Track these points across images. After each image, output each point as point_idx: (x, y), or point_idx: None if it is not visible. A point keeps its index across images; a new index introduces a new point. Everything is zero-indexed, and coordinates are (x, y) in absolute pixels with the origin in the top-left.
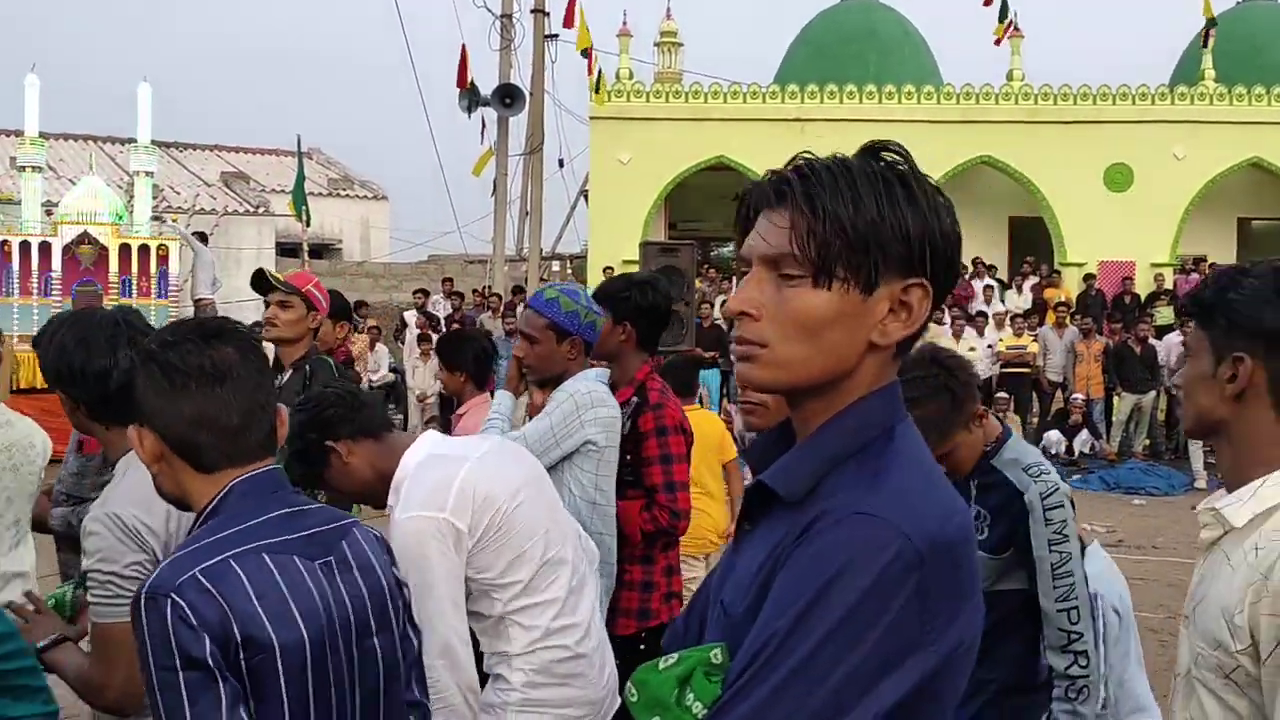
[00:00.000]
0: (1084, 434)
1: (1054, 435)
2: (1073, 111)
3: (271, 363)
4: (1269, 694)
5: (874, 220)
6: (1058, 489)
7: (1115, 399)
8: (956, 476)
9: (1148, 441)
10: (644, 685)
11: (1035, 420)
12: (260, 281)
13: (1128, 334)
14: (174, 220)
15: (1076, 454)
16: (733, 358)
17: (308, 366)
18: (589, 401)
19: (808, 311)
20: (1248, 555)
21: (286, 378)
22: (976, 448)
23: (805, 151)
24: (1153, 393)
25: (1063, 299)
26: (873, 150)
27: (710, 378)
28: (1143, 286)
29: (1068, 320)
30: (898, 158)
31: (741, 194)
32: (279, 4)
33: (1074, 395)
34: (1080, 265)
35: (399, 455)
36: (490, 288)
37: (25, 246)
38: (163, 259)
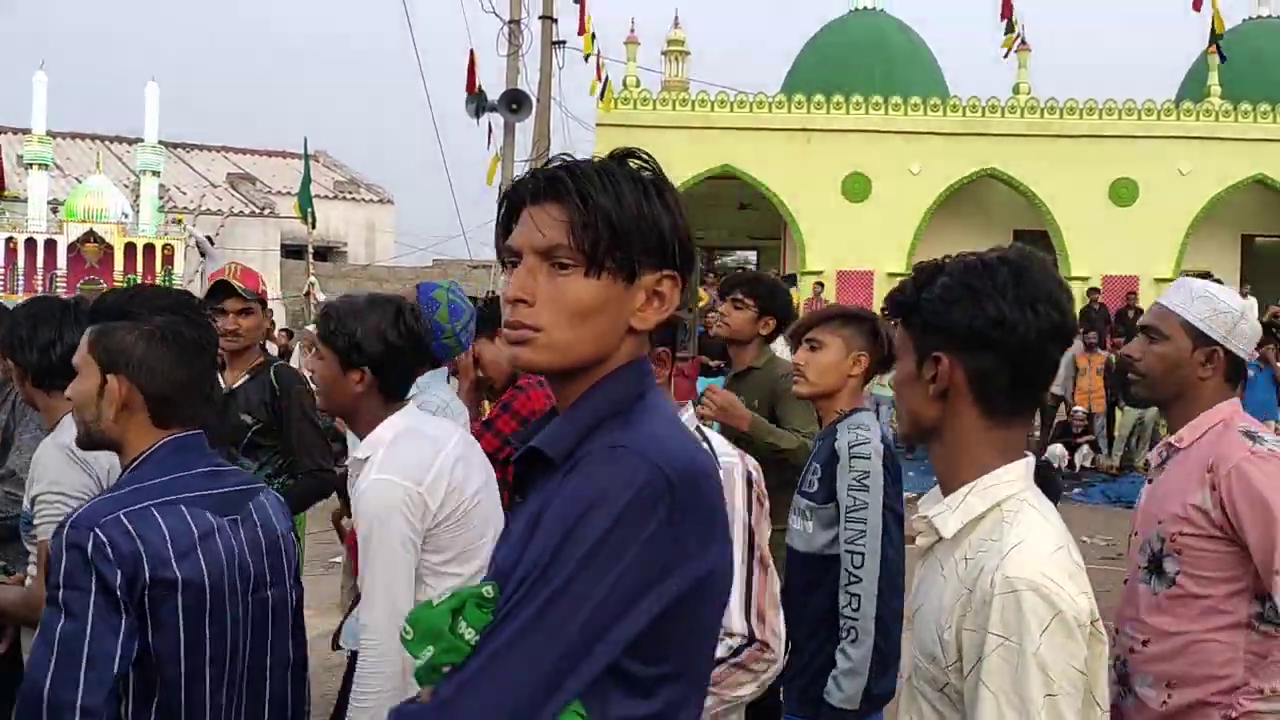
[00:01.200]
0: (1085, 448)
1: (1057, 449)
2: (1078, 126)
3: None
4: (969, 709)
5: (635, 216)
6: (866, 442)
7: (1117, 413)
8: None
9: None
10: (418, 621)
11: (1037, 434)
12: (218, 292)
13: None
14: (180, 220)
15: (1078, 467)
16: (504, 342)
17: (273, 374)
18: None
19: (580, 299)
20: (957, 566)
21: (242, 383)
22: (838, 404)
23: (564, 154)
24: (1155, 408)
25: None
26: (622, 156)
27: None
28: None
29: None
30: (644, 163)
31: (508, 189)
32: (287, 7)
33: (1076, 409)
34: (1084, 279)
35: (387, 413)
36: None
37: (31, 244)
38: (168, 258)
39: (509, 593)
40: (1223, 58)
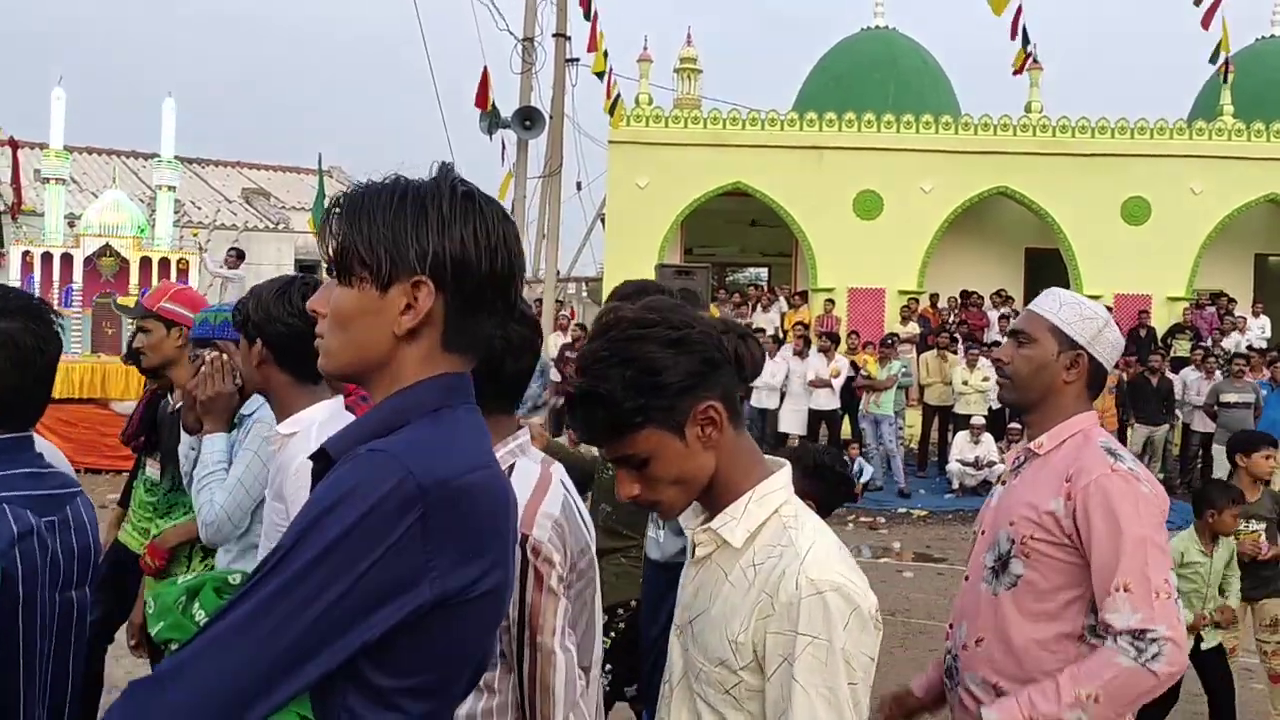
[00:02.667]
0: None
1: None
2: (1091, 144)
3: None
4: (771, 709)
5: (383, 228)
6: None
7: (1129, 431)
8: None
9: (1162, 475)
10: (159, 596)
11: None
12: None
13: (1143, 367)
14: (192, 234)
15: None
16: None
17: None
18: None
19: (339, 307)
20: (747, 572)
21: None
22: None
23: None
24: (1166, 426)
25: None
26: (442, 171)
27: None
28: (1159, 320)
29: None
30: (456, 178)
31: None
32: (303, 25)
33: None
34: (1096, 298)
35: (306, 395)
36: None
37: (47, 258)
38: (183, 272)
39: (248, 581)
40: (1226, 75)
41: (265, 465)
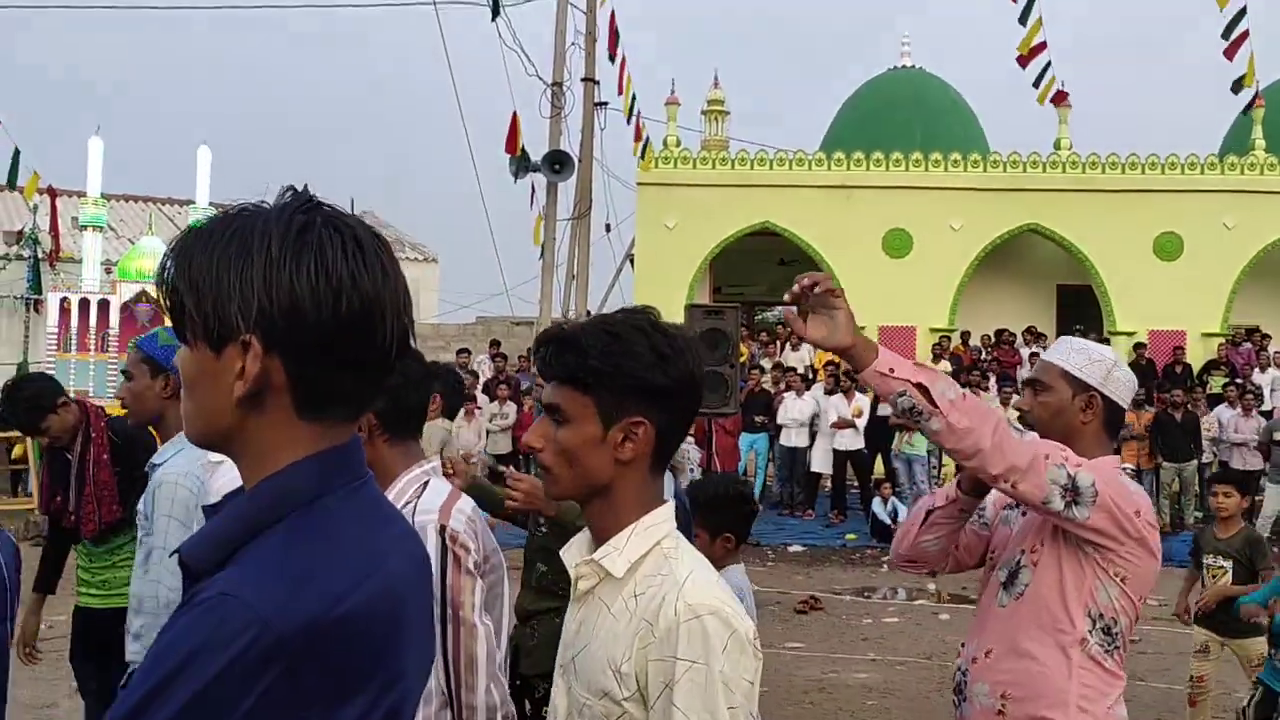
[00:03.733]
0: None
1: None
2: (1122, 180)
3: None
4: None
5: (208, 280)
6: None
7: (1160, 470)
8: None
9: (1199, 514)
10: None
11: None
12: None
13: (1168, 404)
14: None
15: None
16: None
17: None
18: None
19: (181, 368)
20: (628, 603)
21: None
22: None
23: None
24: (1194, 462)
25: None
26: (291, 197)
27: (759, 442)
28: (1194, 356)
29: None
30: (299, 206)
31: None
32: (336, 71)
33: (1124, 467)
34: (1130, 334)
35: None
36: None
37: (85, 304)
38: None
39: None
40: (1251, 107)
41: (187, 525)
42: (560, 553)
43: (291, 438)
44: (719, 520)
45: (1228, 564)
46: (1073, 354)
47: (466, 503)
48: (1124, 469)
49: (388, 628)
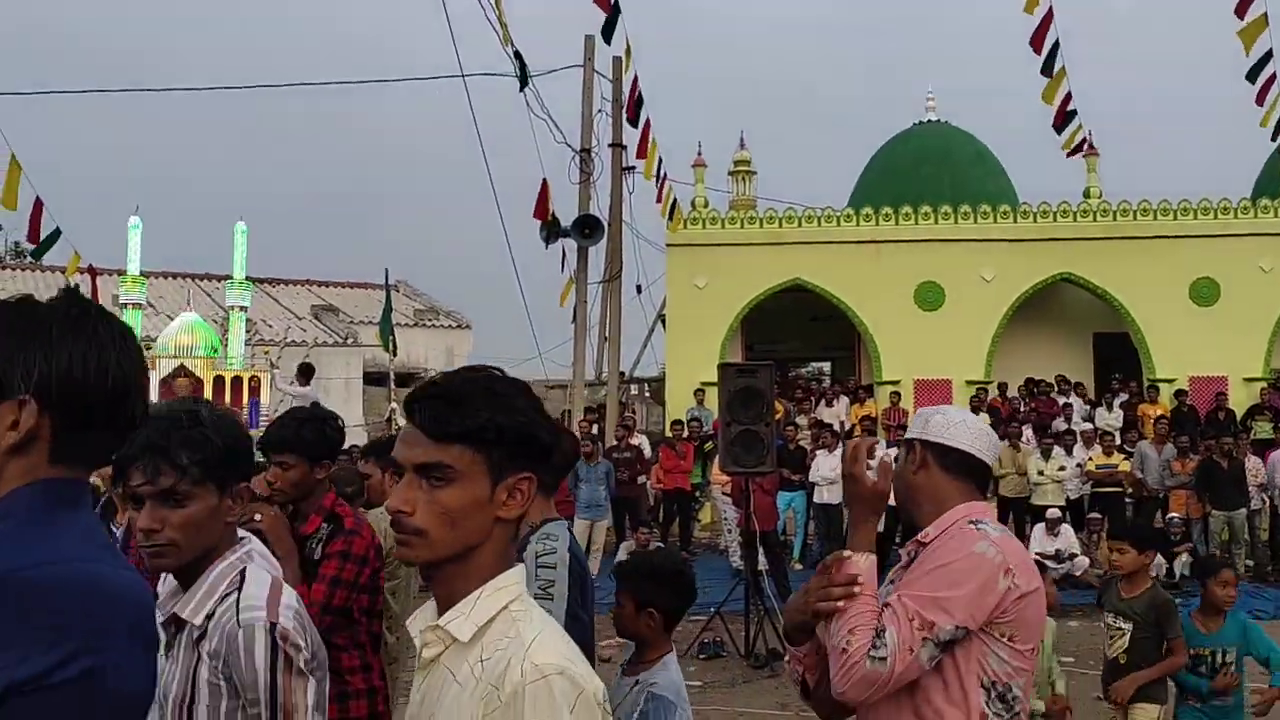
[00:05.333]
0: (1184, 555)
1: (1156, 559)
2: (1154, 227)
3: None
4: None
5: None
6: (553, 552)
7: (1210, 519)
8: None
9: (1250, 562)
10: None
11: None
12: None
13: (1213, 450)
14: (264, 351)
15: (1178, 576)
16: None
17: None
18: None
19: None
20: (474, 669)
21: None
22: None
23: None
24: (1243, 510)
25: (1161, 414)
26: (68, 293)
27: (797, 499)
28: (1237, 401)
29: (1166, 436)
30: (76, 300)
31: None
32: (366, 144)
33: (1171, 516)
34: (1170, 381)
35: None
36: (570, 412)
37: None
38: (254, 390)
39: None
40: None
41: None
42: (406, 624)
43: (33, 477)
44: (650, 594)
45: (1128, 626)
46: (914, 421)
47: (290, 594)
48: (975, 524)
49: (89, 605)
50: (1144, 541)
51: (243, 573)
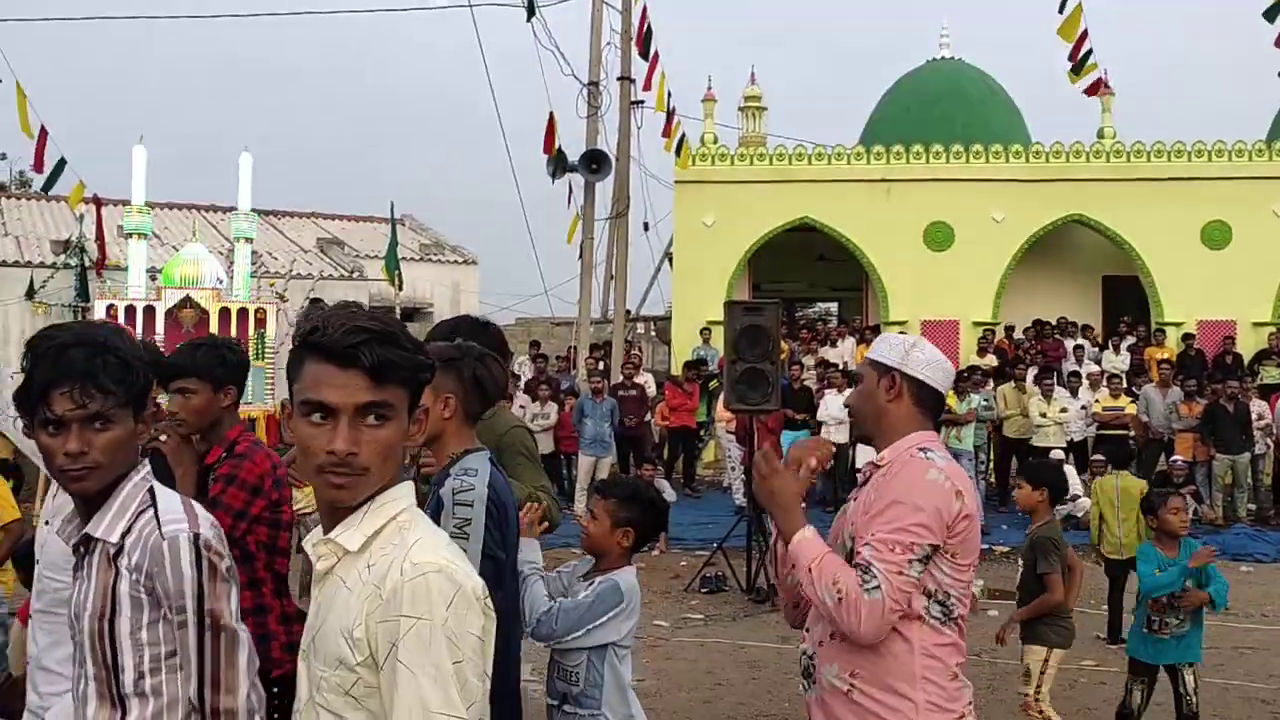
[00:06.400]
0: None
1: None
2: (1167, 168)
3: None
4: (386, 696)
5: None
6: (471, 489)
7: (1214, 462)
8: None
9: (1253, 506)
10: None
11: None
12: None
13: (1219, 394)
14: (270, 284)
15: None
16: None
17: None
18: None
19: None
20: (362, 574)
21: None
22: (446, 448)
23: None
24: (1247, 454)
25: (1166, 357)
26: None
27: (801, 439)
28: (1245, 346)
29: (1171, 380)
30: None
31: None
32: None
33: (1175, 459)
34: (1178, 325)
35: None
36: (575, 349)
37: (130, 310)
38: (260, 322)
39: None
40: None
41: None
42: (303, 543)
43: None
44: (628, 515)
45: (1021, 564)
46: (878, 344)
47: (204, 509)
48: (924, 452)
49: None
50: (1037, 480)
51: (151, 490)
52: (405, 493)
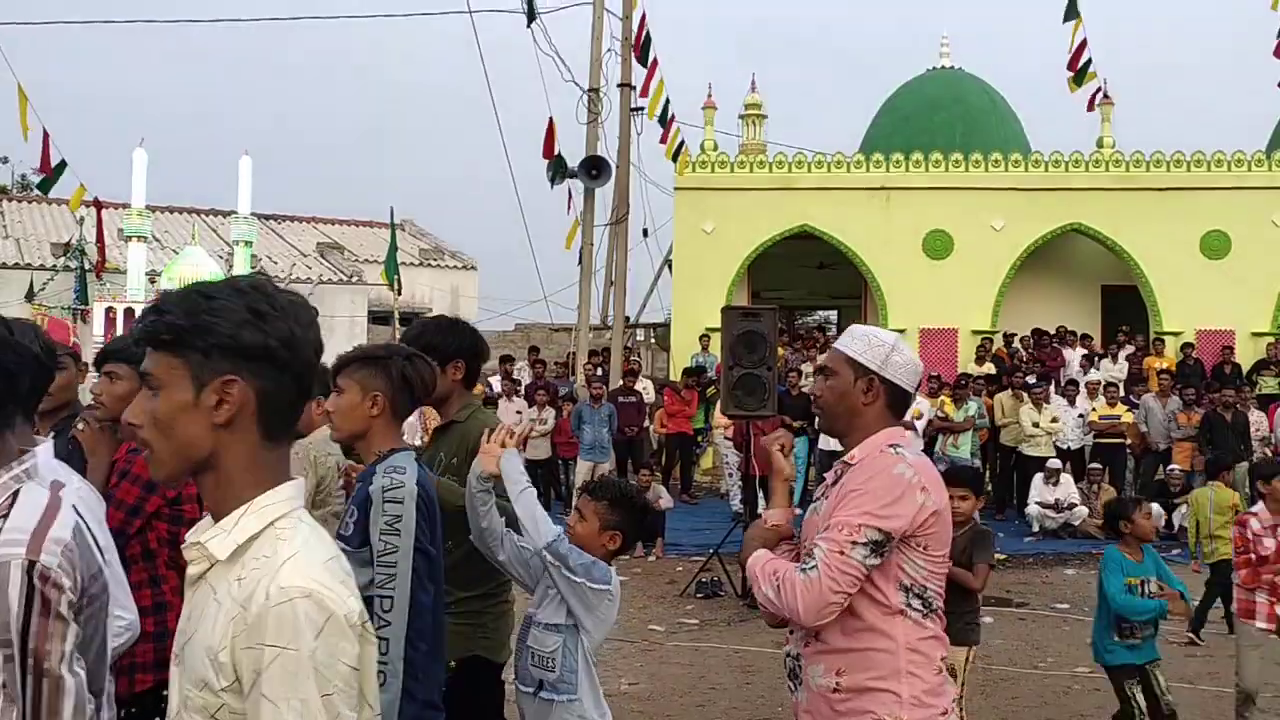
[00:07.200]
0: (1185, 507)
1: (1155, 508)
2: (1166, 178)
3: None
4: None
5: None
6: (401, 486)
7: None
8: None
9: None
10: None
11: (1132, 493)
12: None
13: (1217, 403)
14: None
15: (1176, 527)
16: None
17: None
18: None
19: None
20: (231, 588)
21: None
22: (373, 445)
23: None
24: (1245, 464)
25: (1165, 367)
26: None
27: (798, 445)
28: (1244, 356)
29: (1170, 389)
30: None
31: None
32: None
33: (1172, 467)
34: (1177, 334)
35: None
36: (574, 355)
37: (130, 313)
38: None
39: None
40: None
41: None
42: (187, 535)
43: None
44: (616, 519)
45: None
46: (855, 341)
47: (66, 522)
48: (894, 448)
49: None
50: (960, 483)
51: (15, 494)
52: (286, 495)
